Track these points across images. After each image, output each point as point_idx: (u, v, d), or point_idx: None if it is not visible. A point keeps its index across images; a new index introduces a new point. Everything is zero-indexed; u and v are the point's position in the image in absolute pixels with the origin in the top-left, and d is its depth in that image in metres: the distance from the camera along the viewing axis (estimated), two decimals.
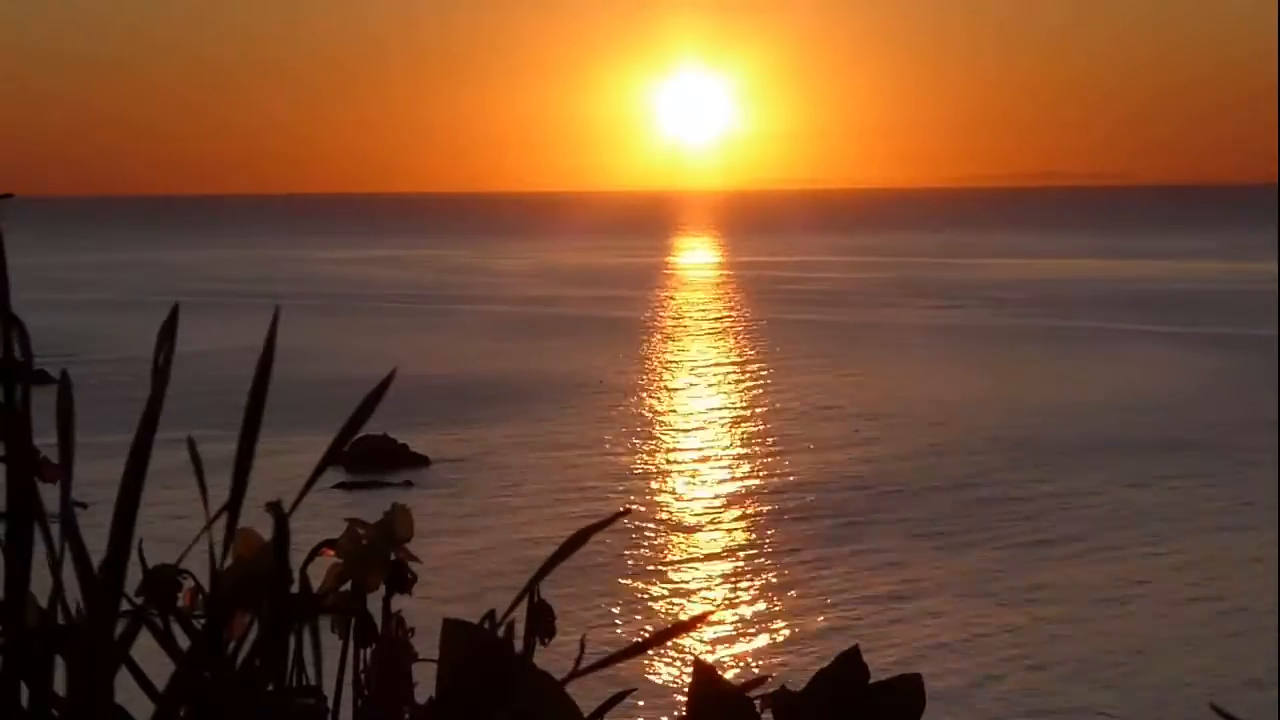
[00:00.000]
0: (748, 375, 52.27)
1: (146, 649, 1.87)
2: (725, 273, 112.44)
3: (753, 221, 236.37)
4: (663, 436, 39.54)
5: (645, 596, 25.00)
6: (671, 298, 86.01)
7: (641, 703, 18.64)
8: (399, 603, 2.24)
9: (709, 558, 27.71)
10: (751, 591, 25.54)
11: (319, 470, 1.84)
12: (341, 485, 32.19)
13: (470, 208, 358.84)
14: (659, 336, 64.42)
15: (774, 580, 26.13)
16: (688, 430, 40.80)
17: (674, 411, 43.94)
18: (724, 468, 35.75)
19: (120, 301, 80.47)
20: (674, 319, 72.98)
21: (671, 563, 27.19)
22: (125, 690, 1.87)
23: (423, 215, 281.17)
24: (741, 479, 34.42)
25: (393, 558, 2.23)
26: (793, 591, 25.35)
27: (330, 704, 2.08)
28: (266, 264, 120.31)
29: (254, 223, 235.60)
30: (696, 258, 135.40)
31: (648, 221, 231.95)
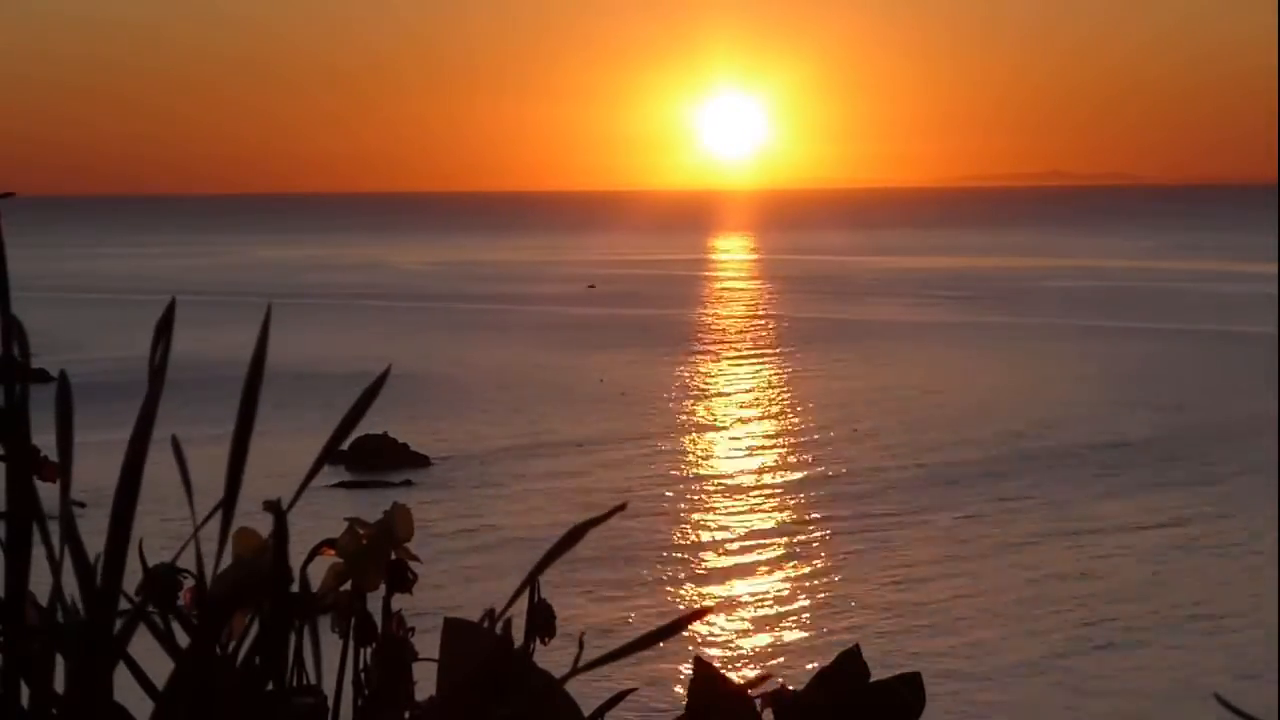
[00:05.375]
0: (748, 373, 52.26)
1: (146, 648, 1.87)
2: (726, 271, 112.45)
3: (769, 219, 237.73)
4: (662, 435, 39.50)
5: (645, 595, 24.99)
6: (674, 295, 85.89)
7: (646, 695, 18.63)
8: (399, 602, 2.23)
9: (708, 554, 27.70)
10: (751, 589, 25.54)
11: (317, 466, 1.83)
12: (341, 485, 32.18)
13: (507, 205, 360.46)
14: (659, 335, 64.33)
15: (773, 578, 26.13)
16: (687, 428, 40.78)
17: (673, 410, 43.91)
18: (723, 465, 35.75)
19: (125, 300, 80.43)
20: (675, 317, 72.90)
21: (671, 560, 27.18)
22: (125, 689, 1.86)
23: (461, 214, 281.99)
24: (740, 477, 34.41)
25: (393, 557, 2.23)
26: (792, 589, 25.36)
27: (330, 704, 2.08)
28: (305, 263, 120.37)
29: (283, 219, 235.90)
30: (702, 255, 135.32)
31: (674, 219, 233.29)
